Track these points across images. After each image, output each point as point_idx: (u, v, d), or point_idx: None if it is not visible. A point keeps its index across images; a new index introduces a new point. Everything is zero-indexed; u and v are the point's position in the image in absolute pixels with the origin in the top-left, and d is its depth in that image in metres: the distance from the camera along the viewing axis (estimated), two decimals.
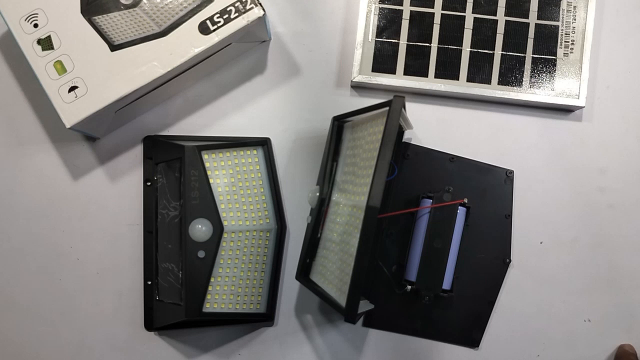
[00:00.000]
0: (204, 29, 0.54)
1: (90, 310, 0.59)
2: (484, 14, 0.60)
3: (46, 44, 0.53)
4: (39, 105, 0.60)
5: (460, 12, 0.60)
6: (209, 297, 0.54)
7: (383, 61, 0.59)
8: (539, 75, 0.59)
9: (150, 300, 0.58)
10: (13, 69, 0.60)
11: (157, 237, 0.58)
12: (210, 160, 0.56)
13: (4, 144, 0.60)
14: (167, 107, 0.60)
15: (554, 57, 0.59)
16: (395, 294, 0.58)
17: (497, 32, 0.59)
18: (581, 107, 0.60)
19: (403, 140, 0.60)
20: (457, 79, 0.59)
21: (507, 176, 0.60)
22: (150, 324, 0.58)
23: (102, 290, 0.59)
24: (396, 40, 0.59)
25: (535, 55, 0.59)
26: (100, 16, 0.53)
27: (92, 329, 0.59)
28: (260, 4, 0.54)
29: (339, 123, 0.57)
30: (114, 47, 0.53)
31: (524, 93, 0.59)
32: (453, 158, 0.60)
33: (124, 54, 0.53)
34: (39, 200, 0.60)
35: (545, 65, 0.59)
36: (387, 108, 0.49)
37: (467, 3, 0.60)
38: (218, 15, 0.54)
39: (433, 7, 0.59)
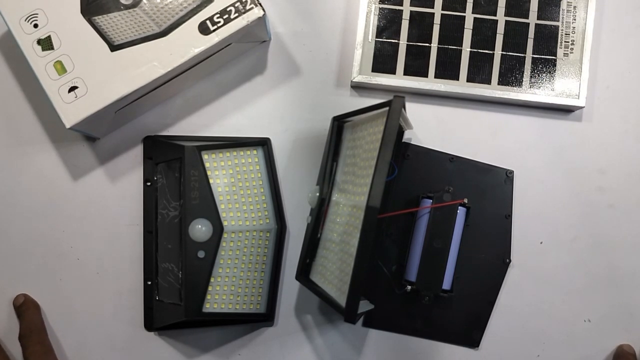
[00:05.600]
0: (204, 29, 0.54)
1: (90, 310, 0.59)
2: (484, 14, 0.60)
3: (46, 44, 0.53)
4: (39, 105, 0.60)
5: (460, 12, 0.60)
6: (209, 297, 0.55)
7: (383, 61, 0.59)
8: (539, 75, 0.59)
9: (150, 300, 0.58)
10: (13, 69, 0.60)
11: (157, 237, 0.58)
12: (210, 160, 0.56)
13: (4, 144, 0.60)
14: (167, 107, 0.60)
15: (554, 57, 0.59)
16: (395, 294, 0.58)
17: (497, 32, 0.59)
18: (581, 107, 0.60)
19: (403, 140, 0.60)
20: (457, 79, 0.59)
21: (507, 176, 0.60)
22: (150, 324, 0.58)
23: (102, 290, 0.59)
24: (396, 40, 0.59)
25: (535, 55, 0.59)
26: (100, 16, 0.54)
27: (92, 329, 0.59)
28: (260, 4, 0.54)
29: (339, 123, 0.57)
30: (114, 47, 0.53)
31: (524, 93, 0.59)
32: (453, 158, 0.60)
33: (124, 54, 0.53)
34: (39, 200, 0.60)
35: (545, 65, 0.59)
36: (387, 108, 0.49)
37: (467, 3, 0.60)
38: (218, 15, 0.54)
39: (433, 7, 0.59)
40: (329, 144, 0.56)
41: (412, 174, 0.60)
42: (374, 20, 0.59)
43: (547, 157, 0.61)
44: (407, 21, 0.59)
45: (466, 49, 0.59)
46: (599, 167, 0.61)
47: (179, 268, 0.56)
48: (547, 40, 0.59)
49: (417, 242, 0.56)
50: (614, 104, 0.61)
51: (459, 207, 0.55)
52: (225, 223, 0.55)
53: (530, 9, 0.60)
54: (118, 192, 0.60)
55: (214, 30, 0.54)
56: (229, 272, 0.56)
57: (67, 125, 0.53)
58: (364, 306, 0.55)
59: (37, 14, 0.53)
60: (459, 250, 0.57)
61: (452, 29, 0.59)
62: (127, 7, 0.54)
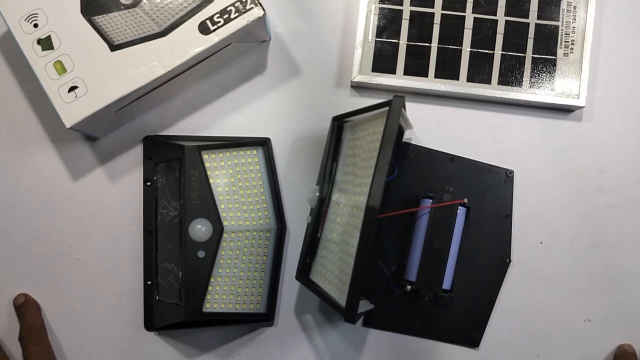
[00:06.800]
0: (204, 29, 0.54)
1: (90, 310, 0.59)
2: (484, 14, 0.60)
3: (46, 44, 0.53)
4: (39, 105, 0.60)
5: (460, 12, 0.60)
6: (209, 297, 0.55)
7: (383, 61, 0.59)
8: (539, 75, 0.59)
9: (150, 300, 0.58)
10: (13, 69, 0.60)
11: (157, 237, 0.58)
12: (210, 160, 0.56)
13: (4, 144, 0.60)
14: (167, 107, 0.60)
15: (554, 57, 0.59)
16: (395, 294, 0.58)
17: (497, 32, 0.59)
18: (581, 107, 0.60)
19: (403, 140, 0.60)
20: (457, 79, 0.59)
21: (507, 176, 0.60)
22: (150, 324, 0.58)
23: (102, 290, 0.59)
24: (396, 40, 0.59)
25: (535, 55, 0.59)
26: (100, 16, 0.54)
27: (92, 329, 0.59)
28: (260, 4, 0.54)
29: (339, 123, 0.57)
30: (114, 47, 0.53)
31: (524, 93, 0.59)
32: (453, 158, 0.60)
33: (124, 54, 0.53)
34: (39, 200, 0.60)
35: (545, 65, 0.59)
36: (387, 108, 0.49)
37: (467, 3, 0.60)
38: (218, 15, 0.54)
39: (433, 7, 0.59)
40: (329, 144, 0.56)
41: (412, 174, 0.60)
42: (374, 20, 0.59)
43: (547, 157, 0.61)
44: (407, 21, 0.59)
45: (466, 49, 0.59)
46: (599, 167, 0.61)
47: (179, 268, 0.56)
48: (547, 40, 0.59)
49: (417, 242, 0.56)
50: (614, 104, 0.61)
51: (459, 207, 0.55)
52: (225, 223, 0.55)
53: (530, 9, 0.60)
54: (118, 192, 0.60)
55: (214, 30, 0.54)
56: (229, 272, 0.55)
57: (67, 125, 0.53)
58: (364, 306, 0.55)
59: (37, 14, 0.53)
60: (459, 250, 0.57)
61: (452, 29, 0.59)
62: (127, 7, 0.54)
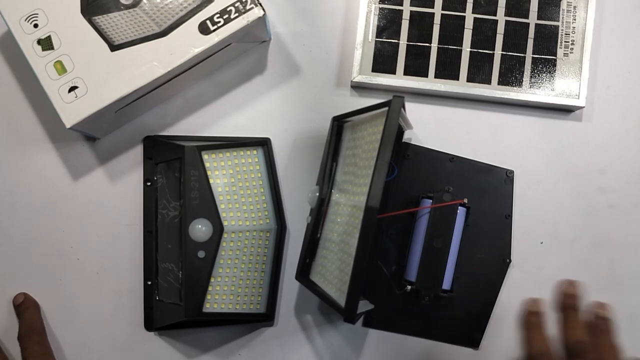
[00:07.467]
0: (204, 29, 0.54)
1: (90, 310, 0.59)
2: (484, 14, 0.60)
3: (46, 44, 0.53)
4: (39, 105, 0.60)
5: (460, 12, 0.60)
6: (209, 297, 0.55)
7: (383, 61, 0.59)
8: (539, 75, 0.59)
9: (150, 300, 0.58)
10: (13, 69, 0.61)
11: (157, 237, 0.58)
12: (210, 160, 0.56)
13: (4, 144, 0.60)
14: (167, 107, 0.60)
15: (554, 57, 0.59)
16: (395, 294, 0.58)
17: (497, 32, 0.59)
18: (581, 107, 0.60)
19: (403, 140, 0.60)
20: (457, 79, 0.59)
21: (507, 176, 0.60)
22: (150, 324, 0.58)
23: (102, 290, 0.59)
24: (396, 40, 0.59)
25: (535, 55, 0.59)
26: (100, 16, 0.54)
27: (92, 329, 0.59)
28: (260, 4, 0.54)
29: (339, 123, 0.57)
30: (114, 47, 0.53)
31: (524, 93, 0.59)
32: (453, 158, 0.60)
33: (124, 54, 0.53)
34: (39, 200, 0.60)
35: (545, 65, 0.59)
36: (387, 108, 0.49)
37: (467, 3, 0.60)
38: (218, 15, 0.54)
39: (433, 7, 0.59)
40: (328, 144, 0.56)
41: (412, 174, 0.60)
42: (374, 20, 0.59)
43: (547, 157, 0.61)
44: (407, 21, 0.59)
45: (466, 49, 0.59)
46: (599, 167, 0.61)
47: (179, 268, 0.56)
48: (547, 40, 0.59)
49: (417, 242, 0.56)
50: (614, 104, 0.61)
51: (459, 207, 0.55)
52: (225, 223, 0.55)
53: (530, 9, 0.60)
54: (118, 192, 0.60)
55: (214, 30, 0.54)
56: (229, 272, 0.55)
57: (67, 125, 0.53)
58: (364, 306, 0.55)
59: (37, 14, 0.53)
60: (459, 250, 0.56)
61: (452, 29, 0.59)
62: (127, 7, 0.54)
